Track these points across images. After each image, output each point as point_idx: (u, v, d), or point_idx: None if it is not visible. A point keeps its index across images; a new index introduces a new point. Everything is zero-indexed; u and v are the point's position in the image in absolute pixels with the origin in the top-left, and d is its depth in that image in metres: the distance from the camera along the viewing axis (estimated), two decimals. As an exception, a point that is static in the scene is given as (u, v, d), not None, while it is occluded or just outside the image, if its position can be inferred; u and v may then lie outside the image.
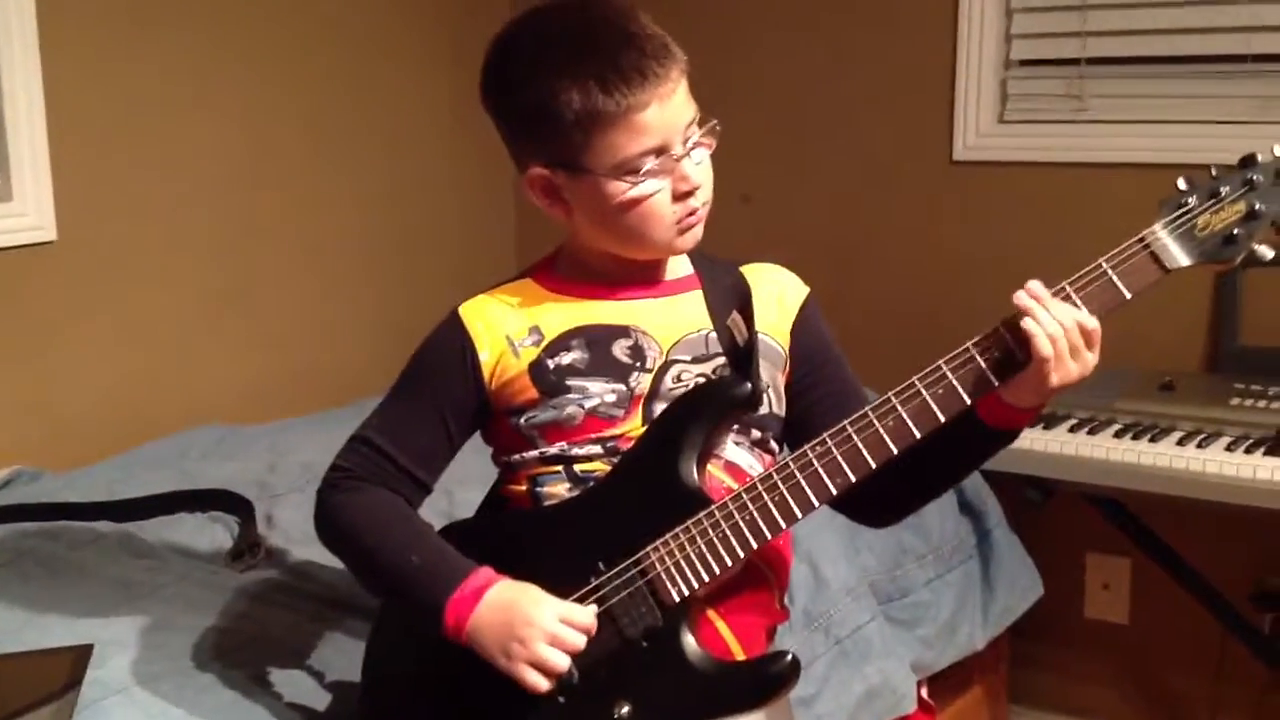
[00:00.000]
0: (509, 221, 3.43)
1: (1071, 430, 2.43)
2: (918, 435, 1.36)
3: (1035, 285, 1.35)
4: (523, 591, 1.40)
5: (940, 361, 1.36)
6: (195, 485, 2.31)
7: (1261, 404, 2.41)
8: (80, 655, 1.63)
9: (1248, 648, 2.65)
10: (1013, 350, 1.35)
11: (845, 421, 1.37)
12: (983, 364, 1.35)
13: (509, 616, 1.38)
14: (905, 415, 1.36)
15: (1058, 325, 1.33)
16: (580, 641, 1.38)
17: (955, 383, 1.35)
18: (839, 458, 1.37)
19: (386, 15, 3.17)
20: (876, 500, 1.50)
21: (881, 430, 1.36)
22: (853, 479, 1.37)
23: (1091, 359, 1.35)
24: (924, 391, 1.36)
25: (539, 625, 1.37)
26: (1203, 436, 2.34)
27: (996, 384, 1.36)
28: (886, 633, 2.26)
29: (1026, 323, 1.33)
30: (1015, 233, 2.92)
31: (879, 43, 3.07)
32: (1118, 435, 2.39)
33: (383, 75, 3.16)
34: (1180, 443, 2.33)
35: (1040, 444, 2.41)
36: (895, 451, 1.36)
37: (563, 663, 1.37)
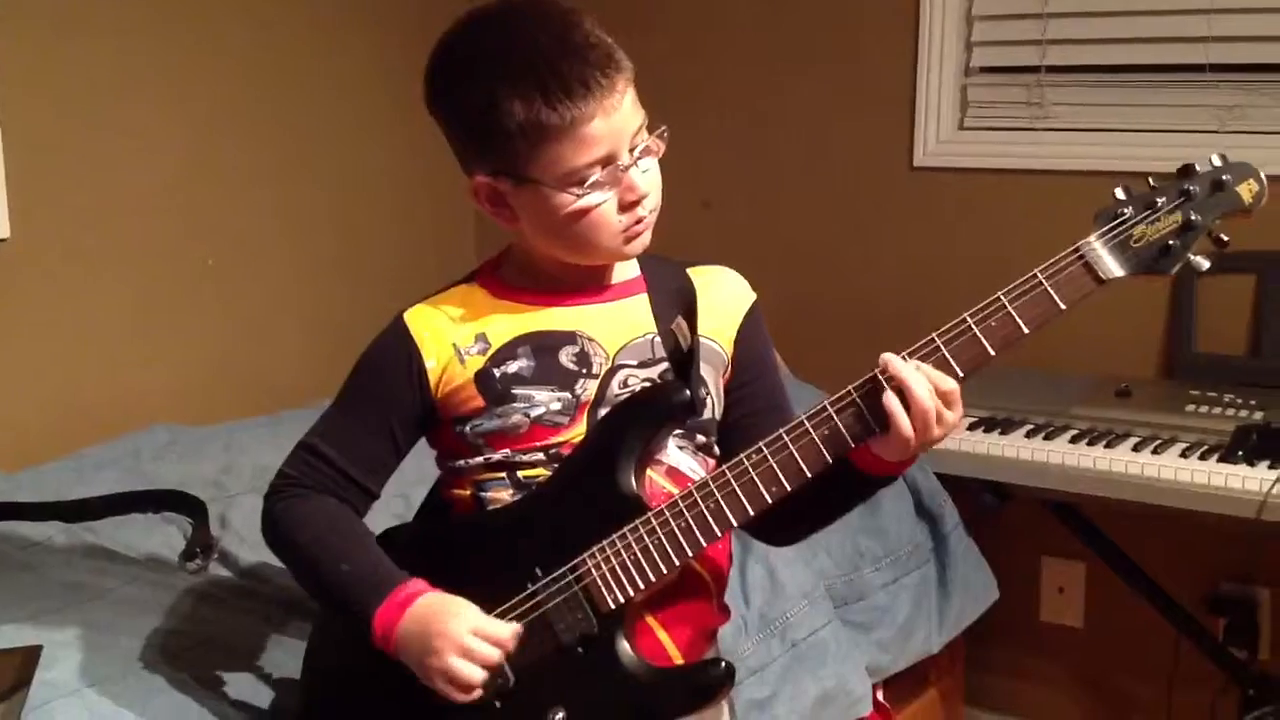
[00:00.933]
0: (467, 220, 3.42)
1: (1028, 435, 2.44)
2: (852, 444, 1.36)
3: (890, 357, 1.35)
4: (444, 603, 1.39)
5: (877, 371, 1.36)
6: (148, 486, 2.29)
7: (1216, 410, 2.44)
8: (29, 656, 1.62)
9: (1201, 652, 2.67)
10: (869, 421, 1.35)
11: (782, 430, 1.37)
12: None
13: (427, 628, 1.37)
14: (840, 424, 1.35)
15: (922, 396, 1.32)
16: (493, 655, 1.37)
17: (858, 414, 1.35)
18: (774, 466, 1.37)
19: (331, 17, 3.15)
20: (774, 522, 1.49)
21: (817, 439, 1.36)
22: (789, 488, 1.37)
23: (952, 418, 1.35)
24: (855, 395, 1.36)
25: (450, 637, 1.36)
26: (1158, 442, 2.36)
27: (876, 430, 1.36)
28: (842, 636, 2.26)
29: (887, 398, 1.33)
30: (975, 239, 2.93)
31: (840, 49, 3.08)
32: (1074, 441, 2.40)
33: (326, 80, 3.14)
34: (1136, 448, 2.35)
35: (996, 449, 2.43)
36: (830, 461, 1.36)
37: (474, 675, 1.37)
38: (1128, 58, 2.79)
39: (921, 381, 1.33)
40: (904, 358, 1.35)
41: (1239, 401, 2.46)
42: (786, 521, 1.50)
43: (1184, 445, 2.34)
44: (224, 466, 2.42)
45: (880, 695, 2.42)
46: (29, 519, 2.17)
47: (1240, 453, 2.26)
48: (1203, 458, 2.28)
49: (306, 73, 3.10)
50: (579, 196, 1.39)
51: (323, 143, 3.15)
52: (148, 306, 2.82)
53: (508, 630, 1.39)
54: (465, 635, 1.37)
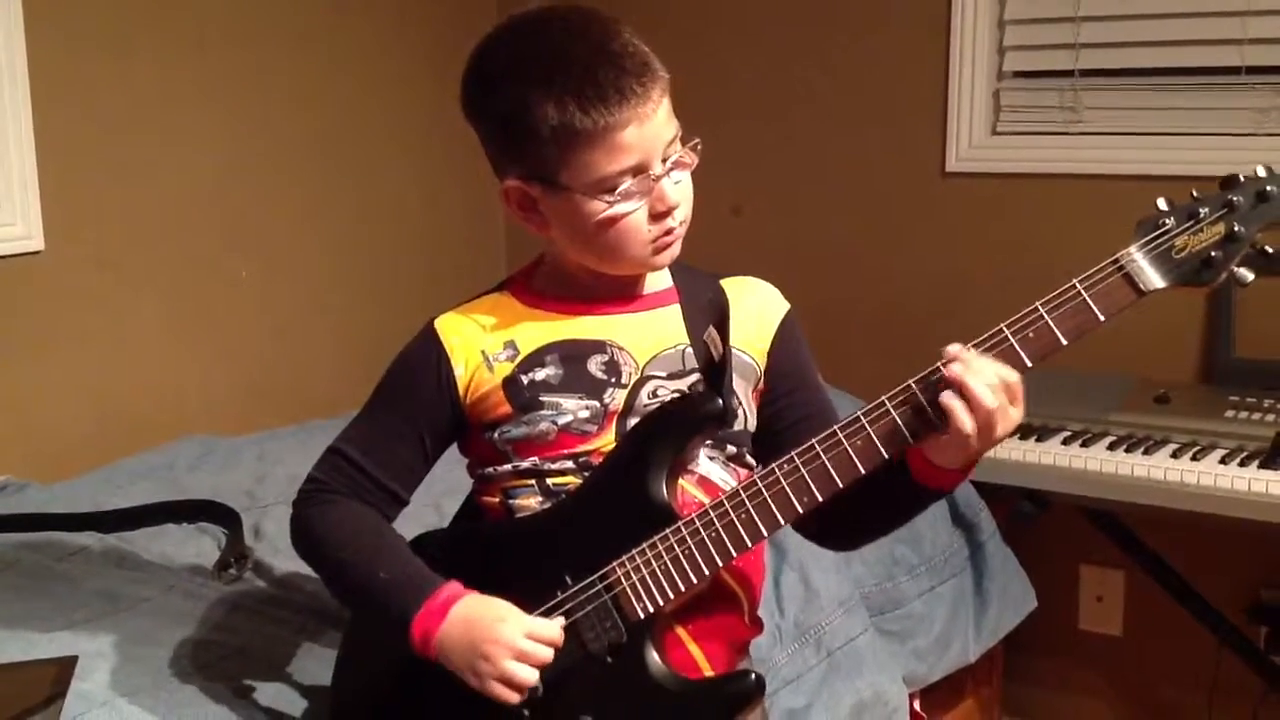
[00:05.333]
0: (497, 231, 3.43)
1: (1065, 442, 2.42)
2: (885, 455, 1.34)
3: (956, 349, 1.31)
4: (488, 606, 1.38)
5: (910, 381, 1.34)
6: (182, 496, 2.30)
7: (1256, 416, 2.41)
8: (65, 667, 1.62)
9: (1243, 661, 2.64)
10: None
11: (814, 440, 1.35)
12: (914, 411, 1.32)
13: (474, 633, 1.36)
14: (873, 434, 1.33)
15: (984, 394, 1.29)
16: (548, 655, 1.37)
17: (922, 398, 1.32)
18: (806, 477, 1.35)
19: (360, 30, 3.17)
20: (829, 527, 1.48)
21: (850, 449, 1.34)
22: (820, 499, 1.35)
23: (1015, 415, 1.32)
24: (892, 410, 1.33)
25: (505, 642, 1.35)
26: (1197, 449, 2.33)
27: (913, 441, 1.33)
28: (879, 645, 2.25)
29: (946, 398, 1.30)
30: (1008, 244, 2.91)
31: (872, 54, 3.07)
32: (1112, 447, 2.38)
33: (357, 90, 3.16)
34: (1174, 455, 2.32)
35: (1034, 456, 2.40)
36: (863, 472, 1.34)
37: (531, 677, 1.36)
38: (1162, 61, 2.77)
39: (981, 377, 1.29)
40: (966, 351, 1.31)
41: (1279, 407, 2.43)
42: (841, 528, 1.49)
43: (1223, 451, 2.31)
44: (257, 476, 2.43)
45: (917, 705, 2.40)
46: (64, 529, 2.18)
47: (1281, 458, 2.24)
48: (1243, 464, 2.26)
49: (339, 86, 3.12)
50: (610, 204, 1.39)
51: (356, 155, 3.16)
52: (181, 318, 2.84)
53: (557, 629, 1.38)
54: (519, 639, 1.36)
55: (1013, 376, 1.31)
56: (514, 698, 1.36)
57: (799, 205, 3.21)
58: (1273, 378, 2.58)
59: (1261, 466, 2.24)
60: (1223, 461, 2.28)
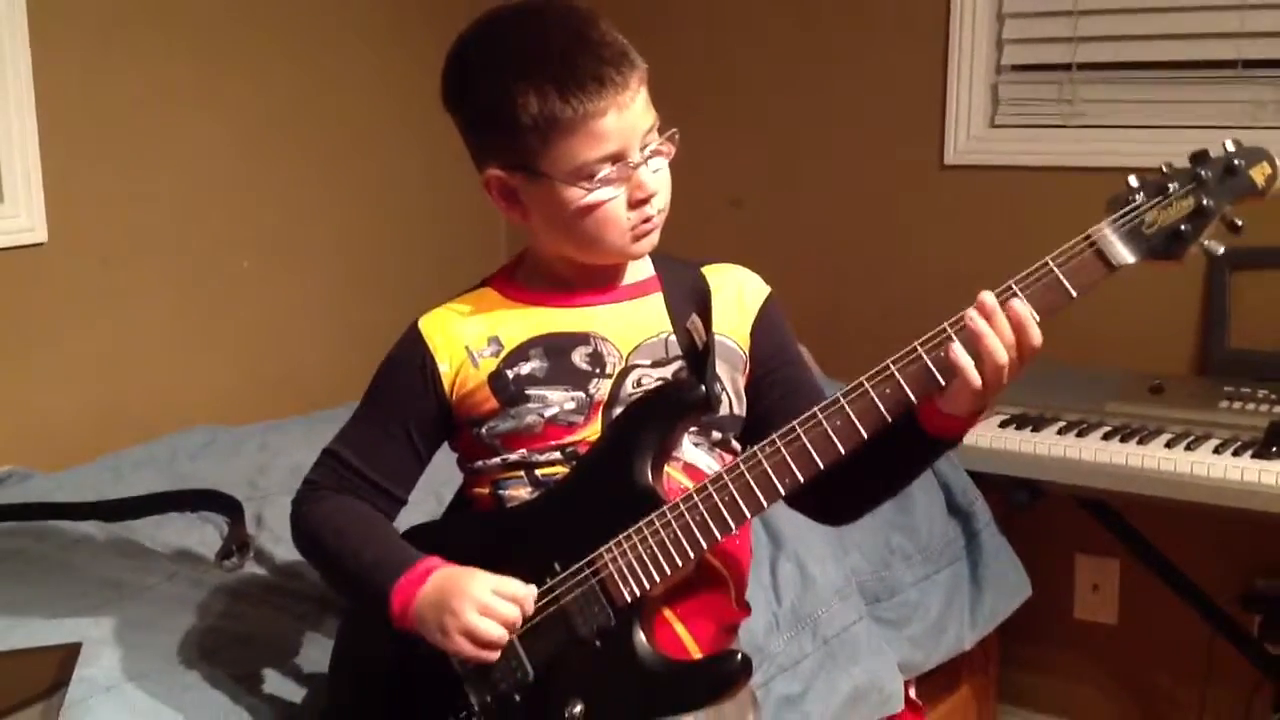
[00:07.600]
0: (498, 224, 3.43)
1: (1060, 432, 2.43)
2: (864, 435, 1.34)
3: (988, 296, 1.32)
4: (460, 571, 1.41)
5: (889, 361, 1.35)
6: (184, 486, 2.32)
7: (1250, 406, 2.43)
8: (69, 654, 1.64)
9: (1236, 649, 2.66)
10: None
11: (794, 421, 1.36)
12: (930, 364, 1.33)
13: (444, 591, 1.39)
14: (852, 415, 1.34)
15: (998, 350, 1.31)
16: (513, 612, 1.38)
17: (902, 382, 1.33)
18: (788, 458, 1.36)
19: (363, 22, 3.18)
20: (830, 500, 1.49)
21: (829, 429, 1.35)
22: (801, 479, 1.36)
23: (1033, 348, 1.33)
24: (871, 391, 1.34)
25: (470, 595, 1.38)
26: (1191, 439, 2.34)
27: (944, 384, 1.33)
28: (874, 633, 2.26)
29: (955, 350, 1.31)
30: (1006, 237, 2.92)
31: (871, 47, 3.08)
32: (1106, 437, 2.39)
33: (362, 85, 3.17)
34: (1169, 445, 2.34)
35: (1029, 446, 2.42)
36: (843, 451, 1.35)
37: (495, 631, 1.38)
38: (1159, 54, 2.78)
39: (998, 337, 1.31)
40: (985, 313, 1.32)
41: (1273, 397, 2.45)
42: (848, 495, 1.50)
43: (1218, 441, 2.33)
44: (259, 466, 2.44)
45: (913, 692, 2.42)
46: (69, 518, 2.20)
47: (1275, 449, 2.25)
48: (1236, 454, 2.27)
49: (342, 77, 3.13)
50: (588, 191, 1.41)
51: (358, 147, 3.18)
52: (184, 309, 2.86)
53: (525, 588, 1.40)
54: (484, 593, 1.38)
55: (1032, 329, 1.31)
56: (480, 654, 1.38)
57: (798, 198, 3.22)
58: (1267, 369, 2.60)
59: (1255, 456, 2.25)
60: (1217, 451, 2.29)
